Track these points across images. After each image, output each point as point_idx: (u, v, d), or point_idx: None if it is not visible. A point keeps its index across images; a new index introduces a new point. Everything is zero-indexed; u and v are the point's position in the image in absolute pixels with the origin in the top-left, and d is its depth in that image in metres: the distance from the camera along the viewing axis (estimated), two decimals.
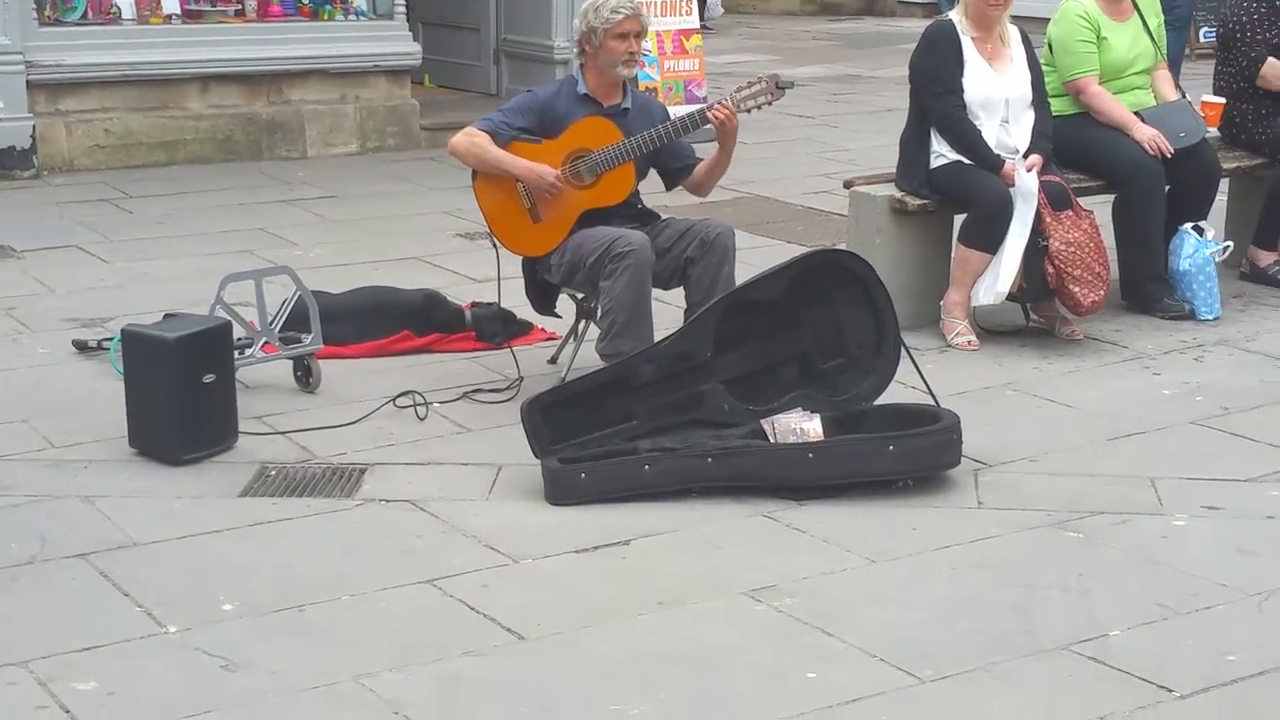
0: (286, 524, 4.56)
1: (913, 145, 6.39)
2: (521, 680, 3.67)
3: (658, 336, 5.25)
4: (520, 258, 5.69)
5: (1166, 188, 6.56)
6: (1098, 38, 6.60)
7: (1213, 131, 6.91)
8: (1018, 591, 4.12)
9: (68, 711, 3.53)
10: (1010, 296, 6.13)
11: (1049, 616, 3.98)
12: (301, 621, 3.97)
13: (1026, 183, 6.00)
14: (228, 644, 3.83)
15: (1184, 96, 6.87)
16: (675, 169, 5.65)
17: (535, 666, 3.75)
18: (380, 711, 3.53)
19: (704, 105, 5.63)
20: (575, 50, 5.56)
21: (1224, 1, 7.74)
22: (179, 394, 4.94)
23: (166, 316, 5.68)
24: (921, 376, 5.07)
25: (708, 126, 5.47)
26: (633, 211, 5.60)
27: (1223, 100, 6.98)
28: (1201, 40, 7.48)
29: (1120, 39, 6.65)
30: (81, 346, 6.05)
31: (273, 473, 4.92)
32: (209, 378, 5.00)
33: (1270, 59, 6.91)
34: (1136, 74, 6.73)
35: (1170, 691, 3.61)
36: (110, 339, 5.83)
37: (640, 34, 5.48)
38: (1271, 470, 4.93)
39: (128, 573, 4.22)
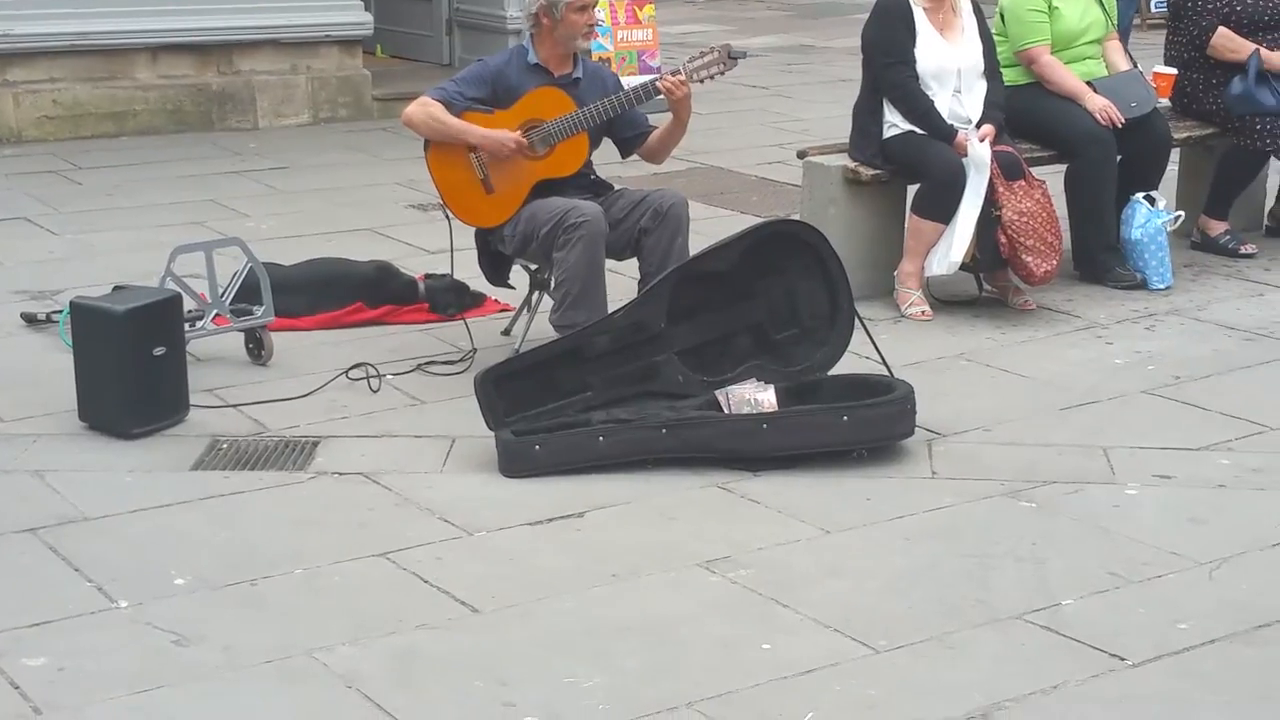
0: (239, 497, 4.53)
1: (866, 116, 6.39)
2: (476, 653, 3.66)
3: (611, 307, 5.24)
4: (473, 229, 5.66)
5: (1118, 158, 6.59)
6: (1049, 7, 6.61)
7: (1164, 102, 6.94)
8: (971, 561, 4.13)
9: (17, 687, 3.50)
10: (964, 266, 6.15)
11: (1002, 586, 4.00)
12: (254, 595, 3.95)
13: (979, 153, 6.01)
14: (179, 618, 3.80)
15: (1135, 66, 6.89)
16: (629, 138, 5.63)
17: (489, 639, 3.74)
18: (334, 685, 3.52)
19: (656, 75, 5.61)
20: (529, 22, 5.52)
21: None
22: (129, 367, 4.90)
23: (116, 289, 5.62)
24: (875, 347, 5.08)
25: (661, 96, 5.46)
26: (586, 182, 5.59)
27: (1174, 71, 7.00)
28: (1153, 10, 7.49)
29: (1071, 9, 6.66)
30: (30, 319, 5.99)
31: (224, 446, 4.89)
32: (159, 350, 4.96)
33: (1220, 28, 6.93)
34: (1088, 44, 6.75)
35: (1122, 660, 3.63)
36: (59, 312, 5.78)
37: (595, 4, 5.47)
38: (1222, 439, 4.97)
39: (78, 547, 4.18)
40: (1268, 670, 3.60)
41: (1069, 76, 6.61)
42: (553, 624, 3.81)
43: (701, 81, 5.57)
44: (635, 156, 5.77)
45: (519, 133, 5.40)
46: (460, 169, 5.47)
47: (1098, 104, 6.52)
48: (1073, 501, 4.51)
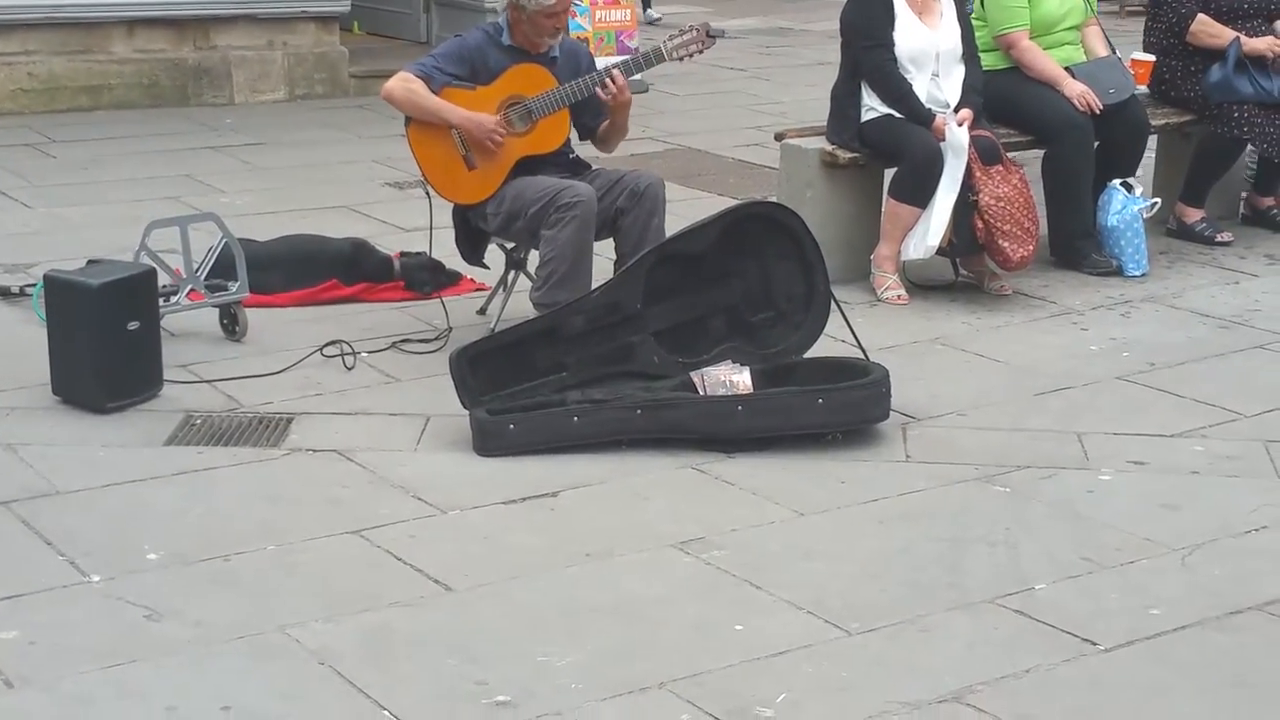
0: (212, 473, 4.51)
1: (844, 99, 6.38)
2: (448, 631, 3.66)
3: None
4: (450, 207, 5.64)
5: (1095, 144, 6.60)
6: None
7: (1142, 89, 6.95)
8: (945, 545, 4.14)
9: None
10: (940, 251, 6.15)
11: (975, 569, 4.01)
12: (227, 571, 3.93)
13: (957, 137, 6.01)
14: (152, 593, 3.79)
15: (1114, 53, 6.89)
16: (589, 125, 5.61)
17: (462, 617, 3.73)
18: (306, 662, 3.51)
19: (632, 56, 5.60)
20: (504, 7, 5.51)
21: None
22: (103, 341, 4.87)
23: (90, 263, 5.60)
24: (851, 330, 5.08)
25: (637, 78, 5.44)
26: (565, 160, 5.57)
27: (1152, 58, 7.01)
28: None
29: None
30: (4, 293, 5.96)
31: (198, 421, 4.87)
32: (133, 325, 4.94)
33: (1200, 15, 6.94)
34: (1067, 29, 6.75)
35: (1094, 644, 3.64)
36: (33, 285, 5.74)
37: (566, 10, 5.46)
38: (1196, 426, 4.99)
39: (51, 521, 4.16)
40: (1239, 656, 3.62)
41: (1048, 62, 6.62)
42: (526, 603, 3.80)
43: (680, 60, 5.56)
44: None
45: (500, 113, 5.38)
46: (441, 145, 5.45)
47: (1075, 90, 6.52)
48: (1046, 486, 4.52)
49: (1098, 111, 6.51)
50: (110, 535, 4.10)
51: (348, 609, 3.74)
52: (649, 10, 13.94)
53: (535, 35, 5.43)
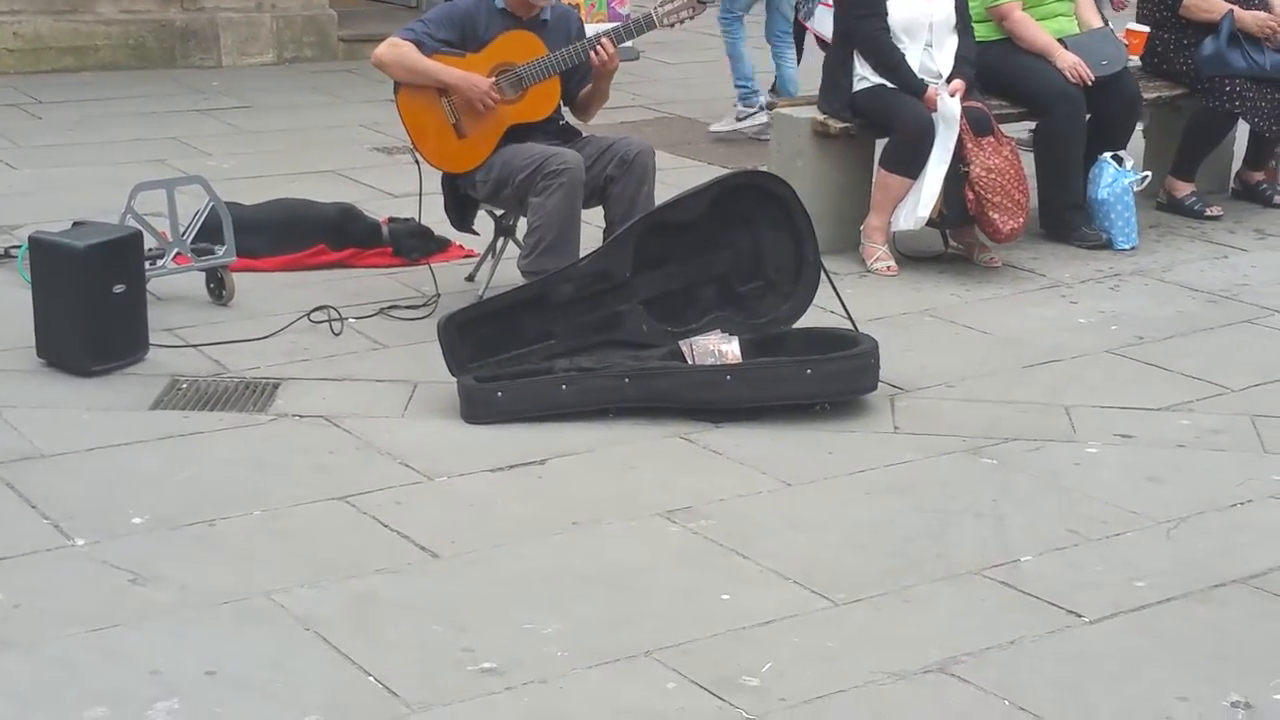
0: (198, 437, 4.50)
1: (836, 68, 6.36)
2: (434, 598, 3.65)
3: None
4: (439, 173, 5.61)
5: (1087, 116, 6.58)
6: None
7: (1135, 60, 6.93)
8: (931, 516, 4.14)
9: None
10: (930, 222, 6.14)
11: (962, 541, 4.01)
12: (212, 535, 3.93)
13: (949, 108, 5.99)
14: (136, 557, 3.78)
15: (1107, 24, 6.87)
16: (572, 91, 5.58)
17: (448, 584, 3.73)
18: (291, 627, 3.50)
19: (622, 22, 5.57)
20: None
21: None
22: (88, 304, 4.85)
23: (76, 224, 5.56)
24: (840, 301, 5.07)
25: (627, 45, 5.41)
26: (555, 128, 5.54)
27: (1146, 29, 6.98)
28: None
29: None
30: None
31: (184, 385, 4.85)
32: (119, 288, 4.91)
33: None
34: (1060, 0, 6.73)
35: (1080, 616, 3.65)
36: (18, 247, 5.71)
37: None
38: (1183, 400, 4.99)
39: (35, 484, 4.15)
40: (1223, 629, 3.63)
41: (1040, 33, 6.59)
42: (512, 571, 3.80)
43: (671, 25, 5.53)
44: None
45: (492, 78, 5.35)
46: (432, 113, 5.42)
47: (1068, 61, 6.51)
48: (1033, 459, 4.53)
49: (1089, 83, 6.49)
50: (95, 499, 4.09)
51: (333, 575, 3.73)
52: None
53: None
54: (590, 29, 5.76)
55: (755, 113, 8.52)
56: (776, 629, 3.55)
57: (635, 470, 4.40)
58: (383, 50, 5.42)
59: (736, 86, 8.60)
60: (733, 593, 3.71)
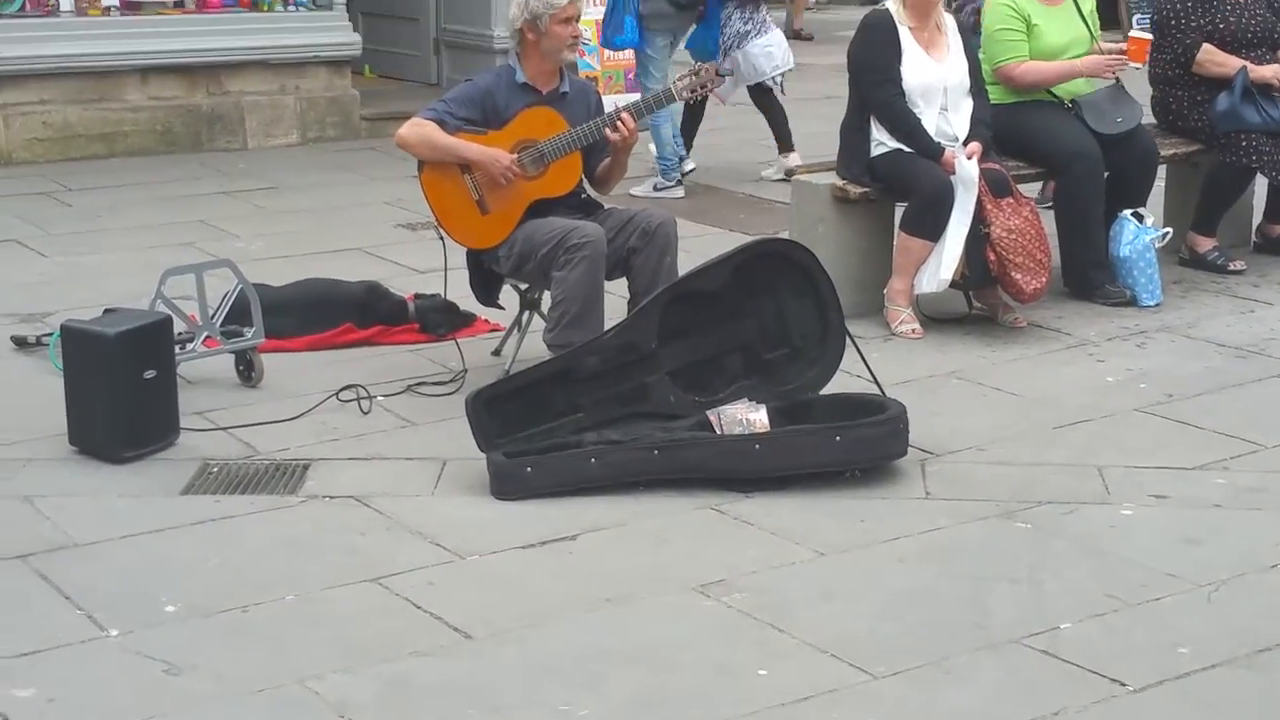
0: (229, 522, 4.50)
1: (853, 133, 6.39)
2: (469, 680, 3.63)
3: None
4: (464, 249, 5.64)
5: (1105, 174, 6.59)
6: (1027, 25, 6.61)
7: (1139, 66, 6.84)
8: (967, 584, 4.11)
9: (7, 719, 3.46)
10: (953, 284, 6.14)
11: (999, 609, 3.98)
12: (245, 622, 3.92)
13: (967, 170, 6.01)
14: (170, 647, 3.77)
15: (1118, 81, 6.87)
16: (591, 165, 5.61)
17: (483, 666, 3.71)
18: (326, 715, 3.49)
19: (642, 96, 5.63)
20: (514, 39, 5.52)
21: None
22: (120, 390, 4.87)
23: (106, 311, 5.60)
24: (867, 365, 5.06)
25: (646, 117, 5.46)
26: (577, 201, 5.58)
27: (1149, 36, 6.96)
28: (1135, 26, 7.54)
29: (1052, 25, 6.66)
30: (20, 343, 5.96)
31: (215, 469, 4.86)
32: (150, 373, 4.93)
33: (1205, 45, 6.95)
34: (1071, 59, 6.74)
35: (1123, 685, 3.60)
36: (50, 335, 5.75)
37: (579, 16, 5.47)
38: (1217, 458, 4.96)
39: (68, 574, 4.15)
40: (1270, 696, 3.58)
41: (1049, 66, 6.59)
42: (546, 650, 3.78)
43: (688, 100, 5.57)
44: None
45: (514, 155, 5.39)
46: (455, 190, 5.46)
47: (1092, 63, 6.50)
48: (1068, 522, 4.50)
49: (1121, 70, 6.51)
50: (128, 587, 4.09)
51: (367, 659, 3.72)
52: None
53: (554, 53, 5.43)
54: (609, 101, 5.80)
55: (673, 186, 8.65)
56: (815, 705, 3.52)
57: (667, 543, 4.39)
58: (405, 130, 5.47)
59: (659, 160, 8.72)
60: (770, 668, 3.69)
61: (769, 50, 8.97)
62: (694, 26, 8.95)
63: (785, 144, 9.22)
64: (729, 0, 8.92)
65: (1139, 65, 6.83)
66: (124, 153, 9.62)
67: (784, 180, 8.68)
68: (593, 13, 9.89)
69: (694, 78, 5.56)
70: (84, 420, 4.94)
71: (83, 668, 3.69)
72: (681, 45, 9.08)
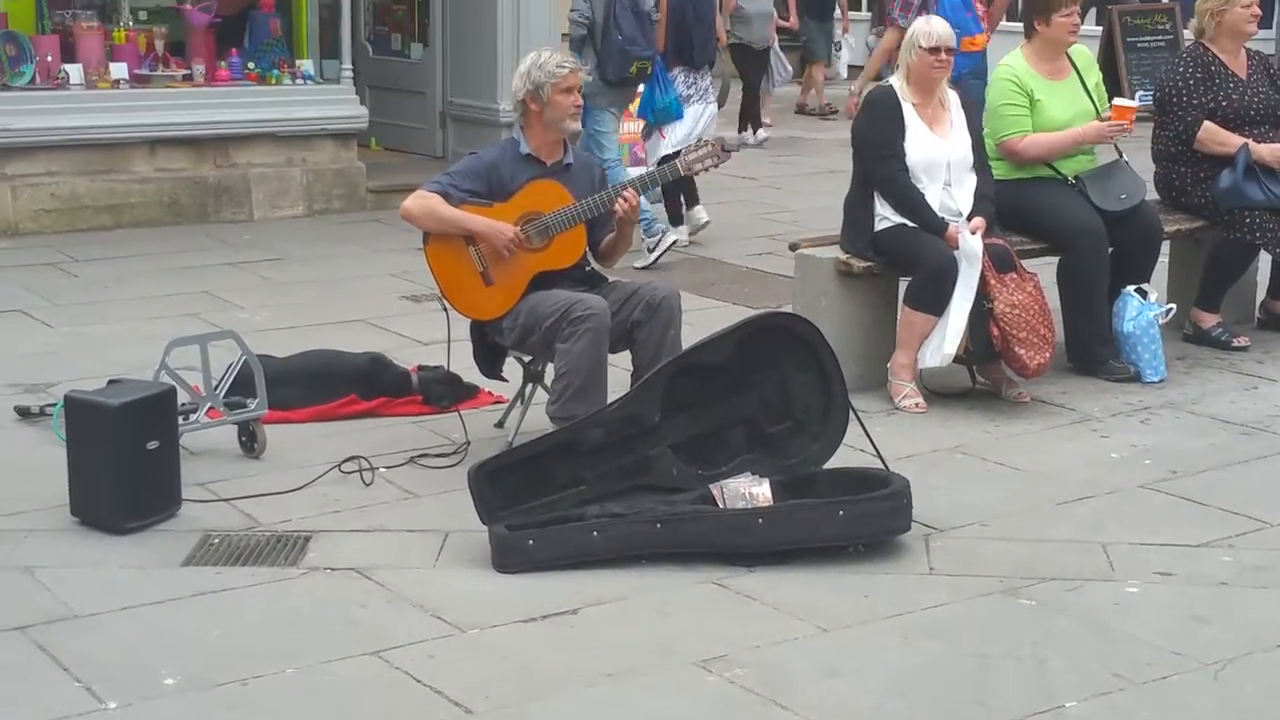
0: (230, 594, 4.48)
1: (857, 208, 6.42)
2: None
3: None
4: (468, 320, 5.66)
5: (1109, 249, 6.61)
6: (1029, 101, 6.65)
7: (1129, 130, 6.86)
8: (971, 661, 4.09)
9: None
10: (956, 359, 6.15)
11: (1004, 687, 3.95)
12: (245, 695, 3.89)
13: (971, 245, 6.03)
14: None
15: (1122, 157, 6.91)
16: (595, 239, 5.64)
17: None
18: None
19: (648, 171, 5.67)
20: (517, 110, 5.56)
21: (1159, 66, 7.82)
22: (122, 461, 4.87)
23: (111, 382, 5.61)
24: (870, 440, 5.06)
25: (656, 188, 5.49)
26: (581, 274, 5.60)
27: (1135, 104, 6.99)
28: (1137, 102, 7.63)
29: (1056, 100, 6.70)
30: (24, 413, 5.97)
31: (216, 541, 4.85)
32: (153, 444, 4.93)
33: (1206, 123, 6.99)
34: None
35: None
36: (53, 405, 5.75)
37: (580, 86, 5.50)
38: (1222, 535, 4.94)
39: (67, 646, 4.13)
40: None
41: (1051, 137, 6.63)
42: None
43: (696, 174, 5.60)
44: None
45: (518, 226, 5.42)
46: (459, 261, 5.48)
47: (1095, 128, 6.55)
48: (1073, 599, 4.47)
49: (1125, 133, 6.57)
50: (127, 660, 4.07)
51: None
52: (760, 132, 14.04)
53: (557, 122, 5.47)
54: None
55: (660, 238, 8.79)
56: None
57: (669, 618, 4.37)
58: (410, 202, 5.50)
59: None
60: None
61: (699, 119, 9.21)
62: (638, 97, 9.21)
63: (693, 198, 9.38)
64: (675, 64, 9.15)
65: (1129, 128, 6.85)
66: (131, 224, 9.67)
67: (693, 239, 8.88)
68: None
69: (700, 152, 5.60)
70: (86, 491, 4.93)
71: None
72: (635, 115, 9.34)
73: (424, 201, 5.47)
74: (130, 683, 3.92)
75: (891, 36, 8.93)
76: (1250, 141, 6.92)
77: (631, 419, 4.96)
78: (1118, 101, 6.97)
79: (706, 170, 5.68)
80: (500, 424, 5.88)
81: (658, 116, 9.24)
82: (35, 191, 9.47)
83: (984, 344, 6.09)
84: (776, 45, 14.49)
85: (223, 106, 9.96)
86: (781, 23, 15.07)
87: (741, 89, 14.07)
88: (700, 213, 9.35)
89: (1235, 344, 7.06)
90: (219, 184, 9.99)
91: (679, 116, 9.20)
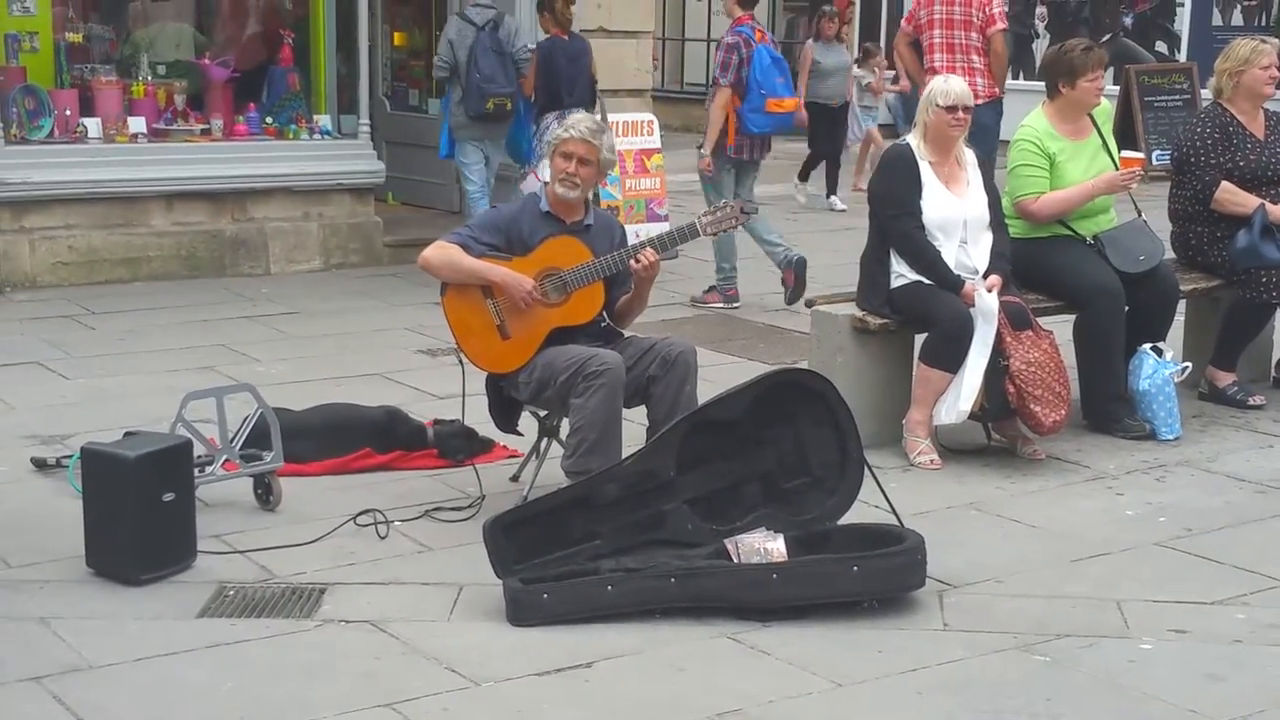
0: (245, 645, 4.49)
1: (873, 265, 6.44)
2: None
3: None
4: (483, 375, 5.68)
5: (1126, 308, 6.62)
6: (1051, 162, 6.68)
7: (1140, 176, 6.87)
8: (986, 717, 4.07)
9: None
10: (972, 415, 6.16)
11: None
12: None
13: (987, 303, 6.05)
14: None
15: (1141, 216, 6.93)
16: (613, 298, 5.66)
17: None
18: None
19: (666, 231, 5.72)
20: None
21: (1176, 126, 7.86)
22: (138, 513, 4.89)
23: (127, 434, 5.64)
24: (885, 496, 5.06)
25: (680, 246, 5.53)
26: (598, 330, 5.62)
27: (1142, 155, 7.01)
28: (1154, 163, 7.67)
29: (1075, 162, 6.72)
30: (40, 464, 5.99)
31: (231, 593, 4.86)
32: (169, 496, 4.95)
33: (1224, 183, 7.02)
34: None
35: None
36: (69, 457, 5.78)
37: (584, 160, 5.50)
38: (1237, 593, 4.92)
39: (82, 697, 4.13)
40: None
41: (1064, 193, 6.64)
42: None
43: (715, 235, 5.64)
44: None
45: (536, 281, 5.45)
46: (477, 314, 5.51)
47: (1106, 180, 6.57)
48: (1087, 656, 4.46)
49: (1135, 183, 6.58)
50: (142, 711, 4.07)
51: None
52: (831, 198, 14.01)
53: (553, 181, 5.53)
54: (631, 230, 5.88)
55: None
56: None
57: (683, 672, 4.36)
58: (430, 252, 5.54)
59: None
60: None
61: None
62: (506, 134, 9.73)
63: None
64: (549, 109, 9.50)
65: (1141, 174, 6.86)
66: (148, 277, 9.73)
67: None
68: (621, 144, 10.05)
69: (719, 214, 5.63)
70: (102, 542, 4.95)
71: None
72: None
73: (444, 251, 5.50)
74: None
75: (722, 96, 9.15)
76: (1267, 202, 6.95)
77: (647, 474, 4.97)
78: (1125, 154, 7.00)
79: (726, 231, 5.73)
80: (515, 478, 5.89)
81: (512, 155, 9.85)
82: (53, 244, 9.54)
83: (999, 401, 6.09)
84: (856, 103, 14.31)
85: (240, 161, 10.04)
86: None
87: (809, 149, 13.83)
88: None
89: (1251, 402, 7.06)
90: (236, 238, 10.06)
91: (528, 157, 9.70)
